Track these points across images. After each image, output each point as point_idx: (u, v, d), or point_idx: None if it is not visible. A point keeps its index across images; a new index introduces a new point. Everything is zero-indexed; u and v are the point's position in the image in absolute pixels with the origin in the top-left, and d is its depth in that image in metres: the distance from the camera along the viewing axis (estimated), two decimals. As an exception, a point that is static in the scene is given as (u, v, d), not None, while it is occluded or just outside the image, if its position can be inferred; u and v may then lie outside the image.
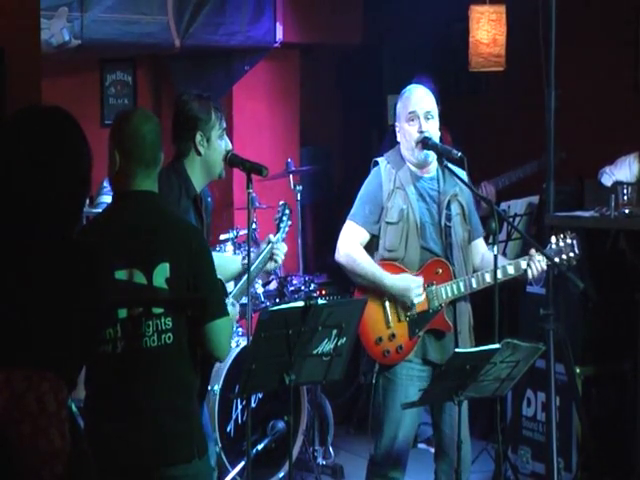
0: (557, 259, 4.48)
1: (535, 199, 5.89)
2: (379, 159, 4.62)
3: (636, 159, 5.76)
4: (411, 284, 4.41)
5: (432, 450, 4.92)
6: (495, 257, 4.32)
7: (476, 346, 4.26)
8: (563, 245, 4.49)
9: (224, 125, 4.08)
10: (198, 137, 3.99)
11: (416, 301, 4.41)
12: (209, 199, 4.22)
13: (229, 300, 4.10)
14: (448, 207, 4.51)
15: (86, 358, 2.72)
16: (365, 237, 4.52)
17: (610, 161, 5.83)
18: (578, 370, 5.32)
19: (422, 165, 4.53)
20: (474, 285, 4.44)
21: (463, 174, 4.53)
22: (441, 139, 4.61)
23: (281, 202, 4.72)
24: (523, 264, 4.43)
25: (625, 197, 5.12)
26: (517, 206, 5.99)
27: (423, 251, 4.46)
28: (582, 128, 6.48)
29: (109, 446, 3.17)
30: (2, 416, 2.35)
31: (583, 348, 5.47)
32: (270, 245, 4.36)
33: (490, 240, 4.39)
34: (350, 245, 4.51)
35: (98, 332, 3.11)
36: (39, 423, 2.36)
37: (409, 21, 7.17)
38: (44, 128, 2.56)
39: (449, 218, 4.51)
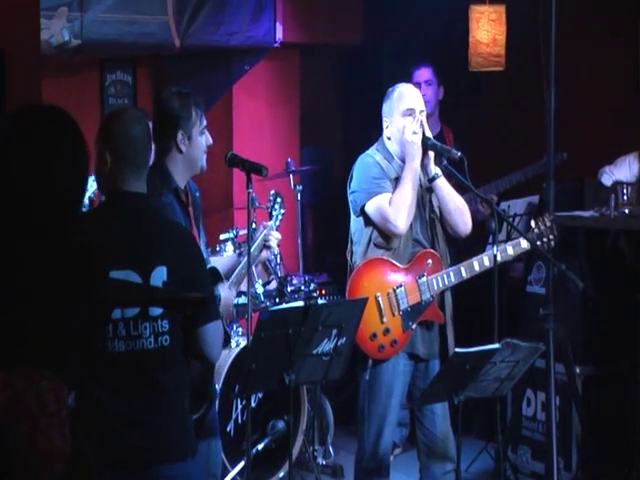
0: (539, 242, 4.60)
1: (535, 199, 5.89)
2: (369, 152, 4.60)
3: (636, 159, 5.76)
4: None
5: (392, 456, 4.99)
6: (495, 257, 4.34)
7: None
8: (544, 228, 4.60)
9: (205, 122, 4.06)
10: (179, 136, 3.98)
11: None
12: (197, 194, 4.19)
13: (225, 284, 4.09)
14: (430, 200, 4.57)
15: (86, 357, 2.72)
16: None
17: (610, 161, 5.83)
18: (578, 370, 5.32)
19: None
20: (463, 274, 4.49)
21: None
22: (443, 139, 4.63)
23: (272, 191, 4.68)
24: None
25: (625, 197, 5.13)
26: (517, 206, 5.99)
27: (414, 243, 4.51)
28: (582, 128, 6.48)
29: (105, 445, 3.14)
30: (2, 416, 2.34)
31: (583, 348, 5.46)
32: (264, 231, 4.34)
33: (490, 240, 4.41)
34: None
35: (97, 331, 3.11)
36: (39, 423, 2.36)
37: (409, 21, 7.16)
38: (42, 127, 2.55)
39: (432, 210, 4.57)
